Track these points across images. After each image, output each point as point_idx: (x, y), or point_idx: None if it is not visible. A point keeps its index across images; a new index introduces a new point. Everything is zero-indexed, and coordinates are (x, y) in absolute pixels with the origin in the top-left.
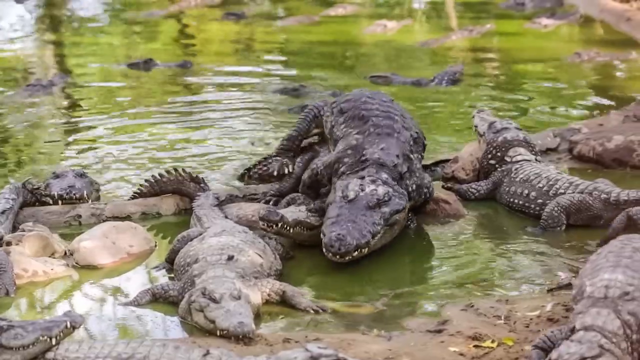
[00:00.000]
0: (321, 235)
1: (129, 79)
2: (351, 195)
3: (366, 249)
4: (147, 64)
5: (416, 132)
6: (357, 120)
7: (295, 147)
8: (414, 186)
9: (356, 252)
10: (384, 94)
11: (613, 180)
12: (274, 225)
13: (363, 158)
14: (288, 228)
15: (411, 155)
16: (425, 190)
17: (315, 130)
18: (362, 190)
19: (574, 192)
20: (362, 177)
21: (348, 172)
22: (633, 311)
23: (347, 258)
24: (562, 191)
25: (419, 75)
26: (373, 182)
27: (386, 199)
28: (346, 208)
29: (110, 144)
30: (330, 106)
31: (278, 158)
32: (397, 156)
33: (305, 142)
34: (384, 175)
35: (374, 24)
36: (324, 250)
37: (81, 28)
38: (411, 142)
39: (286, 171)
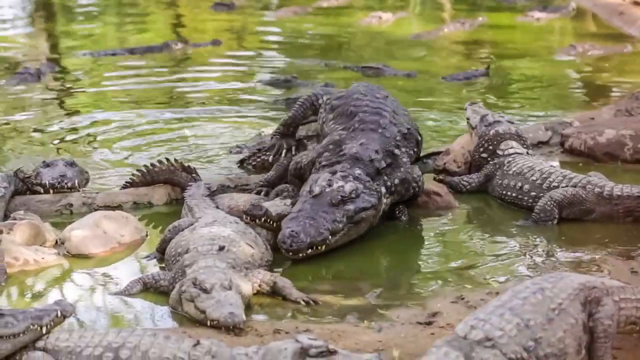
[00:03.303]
0: None
1: (120, 67)
2: (316, 190)
3: (322, 247)
4: (184, 44)
5: (407, 129)
6: (345, 117)
7: (290, 133)
8: (397, 181)
9: (310, 250)
10: (380, 90)
11: (604, 174)
12: (258, 220)
13: (341, 153)
14: (272, 222)
15: (396, 151)
16: (414, 184)
17: (312, 118)
18: (330, 185)
19: (567, 186)
20: (334, 172)
21: (324, 164)
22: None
23: (300, 255)
24: (556, 184)
25: (410, 68)
26: (343, 177)
27: (353, 195)
28: (309, 203)
29: (98, 132)
30: (324, 103)
31: (273, 141)
32: (377, 151)
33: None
34: (357, 171)
35: (369, 15)
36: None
37: (73, 17)
38: (398, 138)
39: (283, 154)
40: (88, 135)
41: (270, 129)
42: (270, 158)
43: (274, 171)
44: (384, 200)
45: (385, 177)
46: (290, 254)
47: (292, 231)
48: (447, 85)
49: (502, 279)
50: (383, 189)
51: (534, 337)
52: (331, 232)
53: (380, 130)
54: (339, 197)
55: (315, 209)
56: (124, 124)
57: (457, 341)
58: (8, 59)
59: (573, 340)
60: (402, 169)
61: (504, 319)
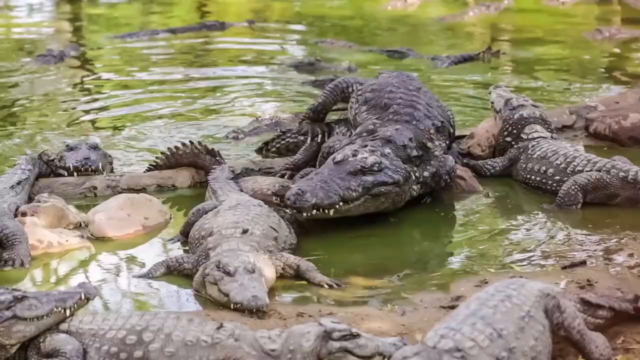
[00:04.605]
0: None
1: (145, 49)
2: (338, 157)
3: (330, 211)
4: (222, 25)
5: (441, 121)
6: (379, 108)
7: (320, 119)
8: (426, 173)
9: (315, 211)
10: (412, 80)
11: (629, 158)
12: None
13: (375, 135)
14: None
15: (429, 144)
16: (446, 177)
17: (341, 105)
18: (354, 155)
19: (591, 170)
20: (364, 146)
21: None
22: None
23: (304, 214)
24: (580, 168)
25: (434, 51)
26: (371, 151)
27: (375, 169)
28: (328, 168)
29: (120, 116)
30: (357, 93)
31: (304, 126)
32: (410, 140)
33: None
34: (387, 150)
35: None
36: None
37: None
38: (432, 131)
39: (319, 138)
40: (113, 118)
41: (267, 114)
42: (309, 140)
43: (301, 155)
44: (414, 187)
45: (415, 168)
46: (294, 211)
47: (299, 189)
48: (470, 67)
49: (525, 263)
50: (413, 176)
51: (508, 346)
52: (342, 198)
53: (414, 123)
54: (359, 166)
55: (331, 175)
56: (147, 108)
57: (425, 351)
58: (33, 41)
59: (544, 348)
60: (432, 163)
61: (475, 329)
